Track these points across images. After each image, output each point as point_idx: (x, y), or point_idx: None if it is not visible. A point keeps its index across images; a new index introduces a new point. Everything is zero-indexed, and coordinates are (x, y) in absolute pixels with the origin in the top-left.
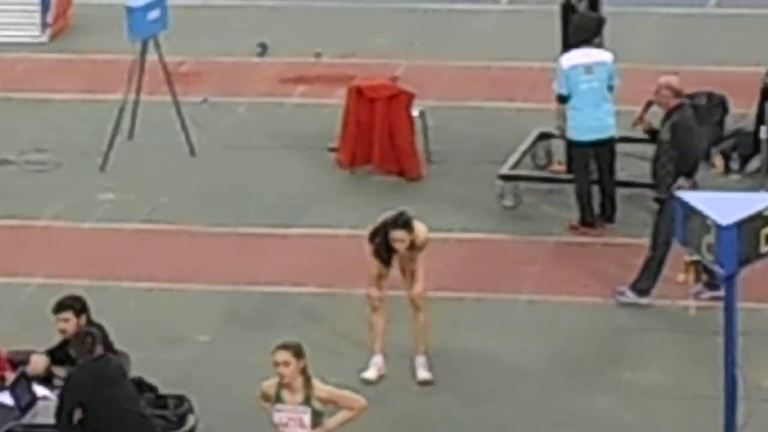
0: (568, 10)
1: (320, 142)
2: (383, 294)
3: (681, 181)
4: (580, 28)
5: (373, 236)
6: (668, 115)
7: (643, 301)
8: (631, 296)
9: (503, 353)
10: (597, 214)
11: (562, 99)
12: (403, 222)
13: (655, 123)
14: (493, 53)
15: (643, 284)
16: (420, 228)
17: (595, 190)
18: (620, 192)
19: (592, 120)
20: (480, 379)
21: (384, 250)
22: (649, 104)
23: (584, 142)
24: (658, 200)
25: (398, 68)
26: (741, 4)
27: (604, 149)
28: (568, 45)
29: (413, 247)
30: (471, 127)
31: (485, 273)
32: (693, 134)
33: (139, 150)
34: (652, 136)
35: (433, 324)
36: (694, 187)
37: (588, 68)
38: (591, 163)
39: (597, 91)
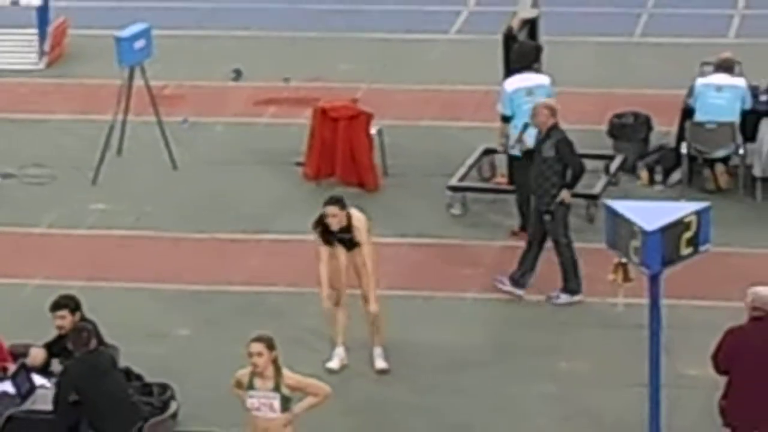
0: (509, 40)
1: (289, 157)
2: (338, 291)
3: (564, 193)
4: (521, 55)
5: (316, 224)
6: (547, 133)
7: (576, 298)
8: (564, 298)
9: (452, 346)
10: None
11: (506, 119)
12: (334, 200)
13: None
14: (442, 78)
15: (573, 284)
16: (357, 214)
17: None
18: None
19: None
20: (431, 370)
21: (326, 232)
22: (525, 126)
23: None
24: (548, 212)
25: (358, 91)
26: (663, 34)
27: None
28: (510, 70)
29: (350, 228)
30: (423, 144)
31: (436, 274)
32: (574, 149)
33: (127, 165)
34: (528, 155)
35: (388, 320)
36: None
37: (529, 91)
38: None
39: None
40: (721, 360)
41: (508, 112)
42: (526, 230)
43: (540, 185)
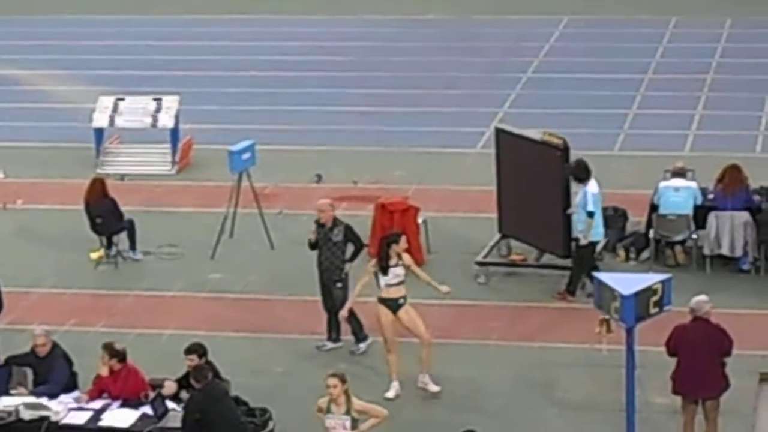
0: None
1: None
2: (394, 338)
3: (347, 265)
4: (586, 169)
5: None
6: (333, 223)
7: (362, 346)
8: (329, 345)
9: (479, 380)
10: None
11: (591, 215)
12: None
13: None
14: (471, 181)
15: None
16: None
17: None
18: (555, 273)
19: (600, 227)
20: (464, 397)
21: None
22: (317, 221)
23: (598, 242)
24: (339, 280)
25: (409, 191)
26: (636, 149)
27: None
28: (580, 180)
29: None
30: (457, 230)
31: (466, 326)
32: (356, 233)
33: (237, 245)
34: (313, 246)
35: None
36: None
37: (598, 195)
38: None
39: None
40: (671, 347)
41: (595, 210)
42: (571, 293)
43: (332, 262)
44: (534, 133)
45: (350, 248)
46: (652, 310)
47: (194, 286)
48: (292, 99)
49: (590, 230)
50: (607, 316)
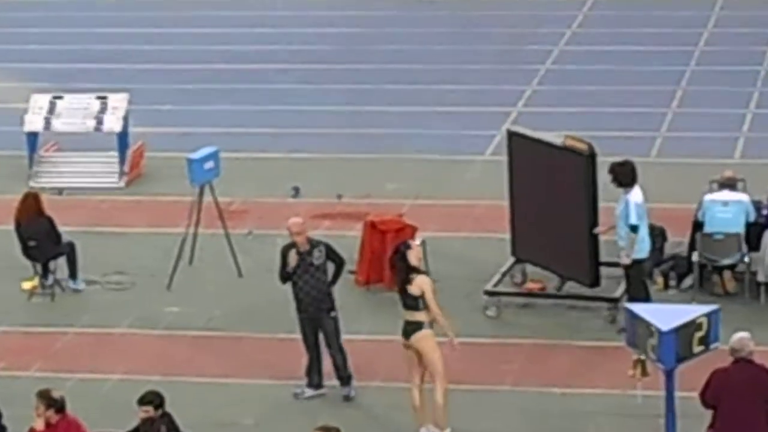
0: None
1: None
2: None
3: (332, 287)
4: (633, 172)
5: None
6: (311, 244)
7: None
8: (309, 392)
9: (490, 430)
10: None
11: (634, 229)
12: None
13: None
14: (479, 194)
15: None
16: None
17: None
18: (579, 304)
19: (645, 242)
20: None
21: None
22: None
23: (645, 259)
24: (332, 309)
25: (404, 207)
26: (676, 155)
27: None
28: (622, 185)
29: (403, 260)
30: (461, 253)
31: (474, 370)
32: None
33: (198, 272)
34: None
35: None
36: None
37: (642, 206)
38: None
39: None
40: (709, 397)
41: (639, 223)
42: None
43: (320, 290)
44: (554, 137)
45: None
46: (697, 349)
47: (147, 322)
48: (263, 97)
49: (633, 247)
50: (642, 356)
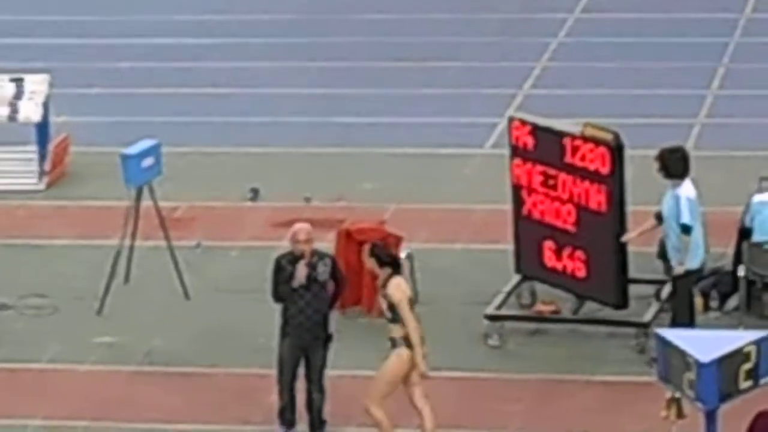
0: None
1: None
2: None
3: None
4: (684, 160)
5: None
6: (317, 256)
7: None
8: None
9: None
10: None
11: (687, 230)
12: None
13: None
14: (477, 196)
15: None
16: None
17: None
18: (601, 330)
19: (700, 249)
20: None
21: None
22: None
23: (697, 270)
24: (328, 338)
25: (386, 212)
26: (717, 147)
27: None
28: (672, 175)
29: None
30: (457, 269)
31: (473, 410)
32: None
33: (135, 294)
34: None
35: None
36: None
37: (695, 202)
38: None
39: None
40: None
41: (692, 223)
42: None
43: (323, 314)
44: (569, 125)
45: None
46: (743, 384)
47: (74, 355)
48: (213, 77)
49: (687, 253)
50: (677, 394)
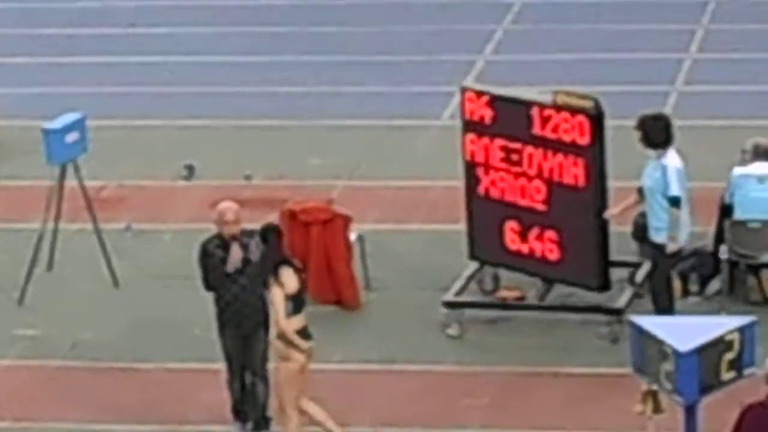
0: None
1: None
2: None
3: None
4: (667, 129)
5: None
6: (247, 236)
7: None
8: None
9: None
10: None
11: (676, 202)
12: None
13: None
14: (433, 172)
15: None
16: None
17: None
18: (571, 318)
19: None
20: None
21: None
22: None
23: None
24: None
25: (334, 190)
26: (699, 114)
27: None
28: (655, 145)
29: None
30: (412, 252)
31: (430, 407)
32: None
33: (59, 282)
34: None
35: None
36: None
37: (683, 172)
38: None
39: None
40: None
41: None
42: None
43: (260, 296)
44: (536, 94)
45: None
46: (726, 375)
47: None
48: (143, 45)
49: (678, 228)
50: (653, 387)
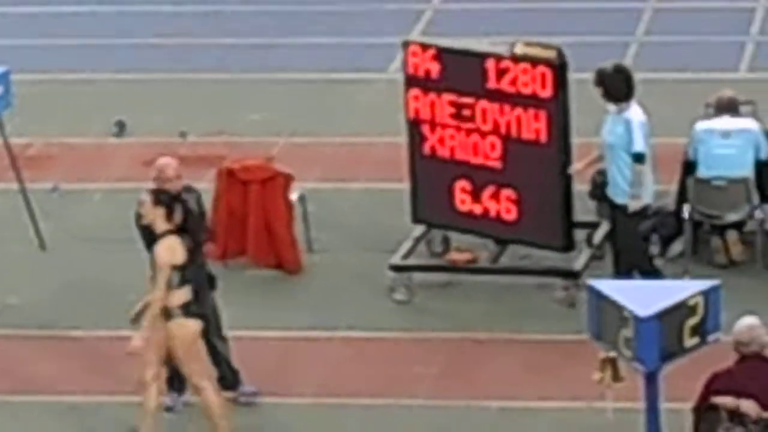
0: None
1: None
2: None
3: None
4: (628, 81)
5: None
6: (186, 192)
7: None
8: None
9: None
10: None
11: (640, 158)
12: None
13: None
14: (378, 128)
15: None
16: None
17: None
18: (525, 281)
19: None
20: None
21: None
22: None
23: (648, 207)
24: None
25: (274, 147)
26: (660, 66)
27: None
28: (615, 98)
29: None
30: (357, 212)
31: (375, 376)
32: None
33: None
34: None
35: None
36: None
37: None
38: None
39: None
40: (706, 408)
41: (645, 151)
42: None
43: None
44: (490, 45)
45: None
46: (689, 342)
47: None
48: None
49: (642, 186)
50: (612, 354)
